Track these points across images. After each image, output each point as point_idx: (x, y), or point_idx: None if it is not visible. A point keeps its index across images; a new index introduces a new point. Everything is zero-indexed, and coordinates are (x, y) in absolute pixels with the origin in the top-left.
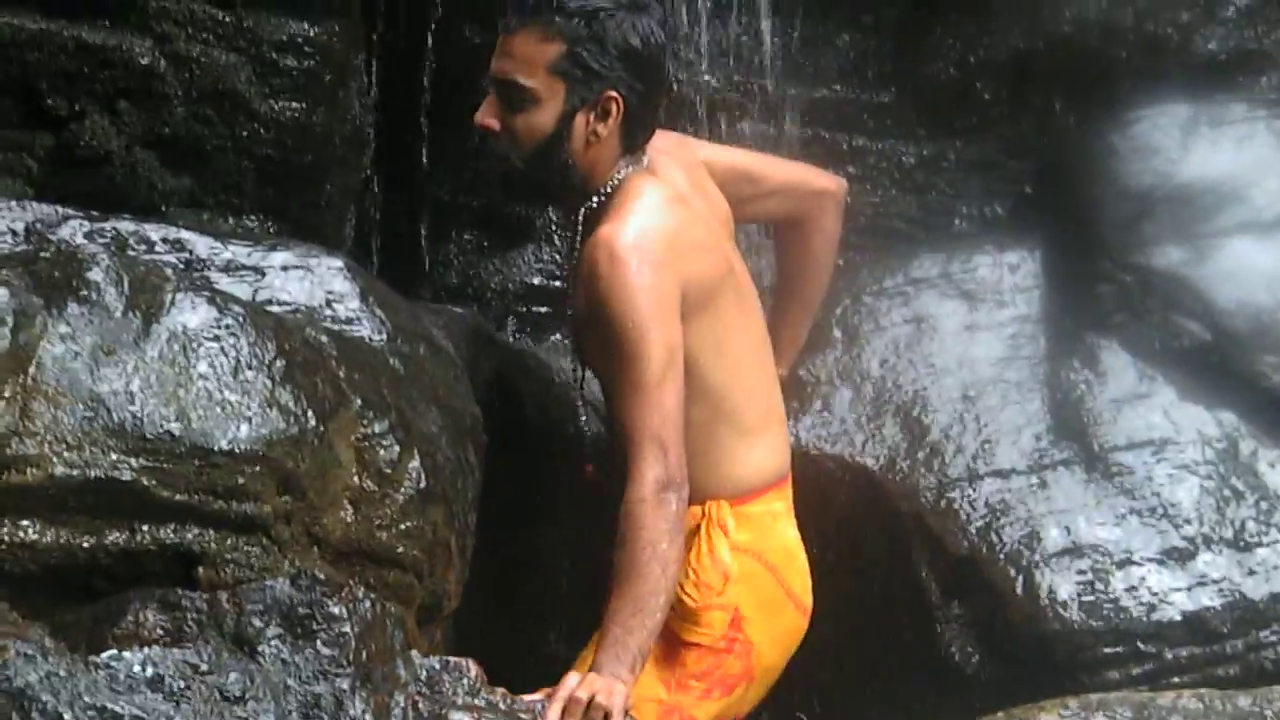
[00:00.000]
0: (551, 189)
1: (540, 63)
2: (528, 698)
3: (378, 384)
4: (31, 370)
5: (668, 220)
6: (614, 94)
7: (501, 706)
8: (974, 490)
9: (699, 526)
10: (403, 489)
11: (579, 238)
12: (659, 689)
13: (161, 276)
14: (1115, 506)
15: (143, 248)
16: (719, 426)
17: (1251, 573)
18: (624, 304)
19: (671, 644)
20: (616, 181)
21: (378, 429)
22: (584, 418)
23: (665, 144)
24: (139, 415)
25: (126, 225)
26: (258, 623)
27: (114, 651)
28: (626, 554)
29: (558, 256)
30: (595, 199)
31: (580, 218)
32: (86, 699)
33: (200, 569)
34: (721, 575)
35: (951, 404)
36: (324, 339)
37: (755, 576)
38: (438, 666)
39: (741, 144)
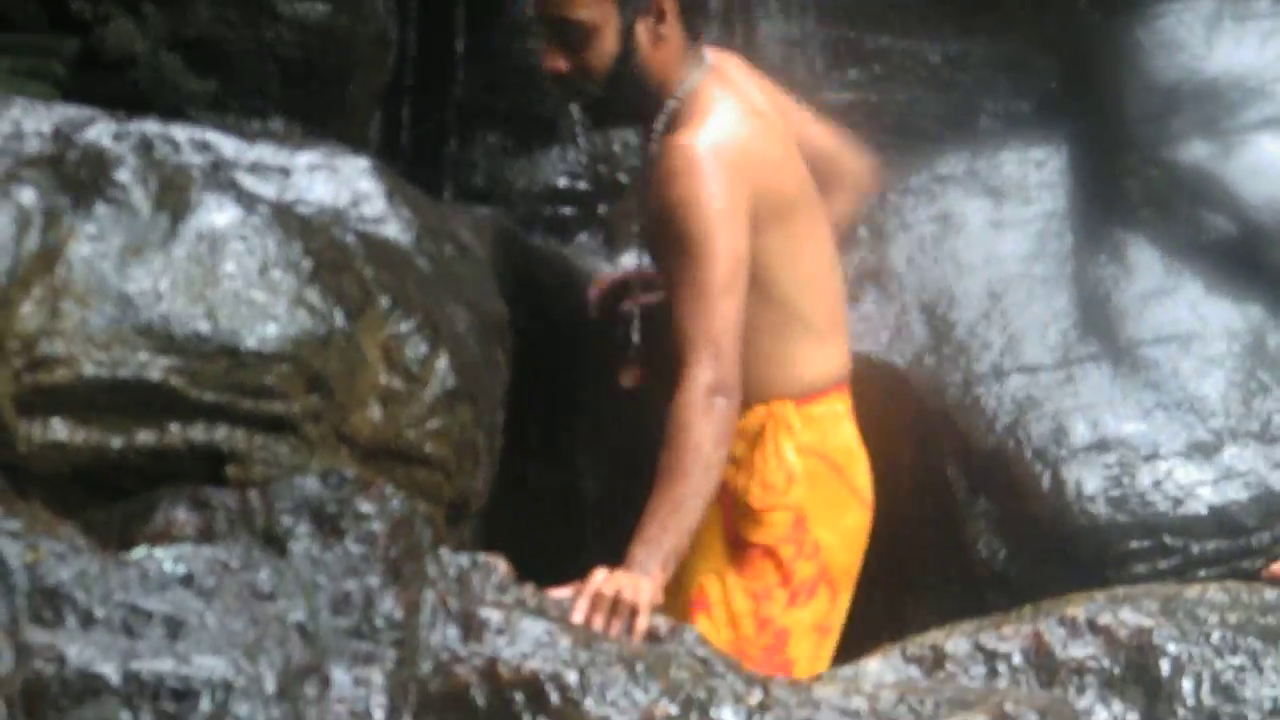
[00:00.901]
0: (635, 104)
1: None
2: (555, 593)
3: (405, 283)
4: (60, 270)
5: (743, 131)
6: None
7: (530, 602)
8: (1000, 386)
9: (764, 427)
10: (430, 388)
11: (654, 145)
12: (747, 602)
13: (188, 177)
14: (1142, 401)
15: (169, 149)
16: (788, 328)
17: (1278, 466)
18: (695, 209)
19: (747, 556)
20: (689, 89)
21: (405, 328)
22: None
23: (732, 62)
24: (167, 315)
25: (153, 127)
26: (287, 520)
27: (145, 549)
28: (672, 454)
29: (582, 158)
30: (670, 105)
31: (658, 127)
32: (118, 596)
33: (230, 467)
34: (786, 476)
35: (978, 300)
36: (350, 239)
37: (820, 476)
38: (467, 564)
39: (764, 43)
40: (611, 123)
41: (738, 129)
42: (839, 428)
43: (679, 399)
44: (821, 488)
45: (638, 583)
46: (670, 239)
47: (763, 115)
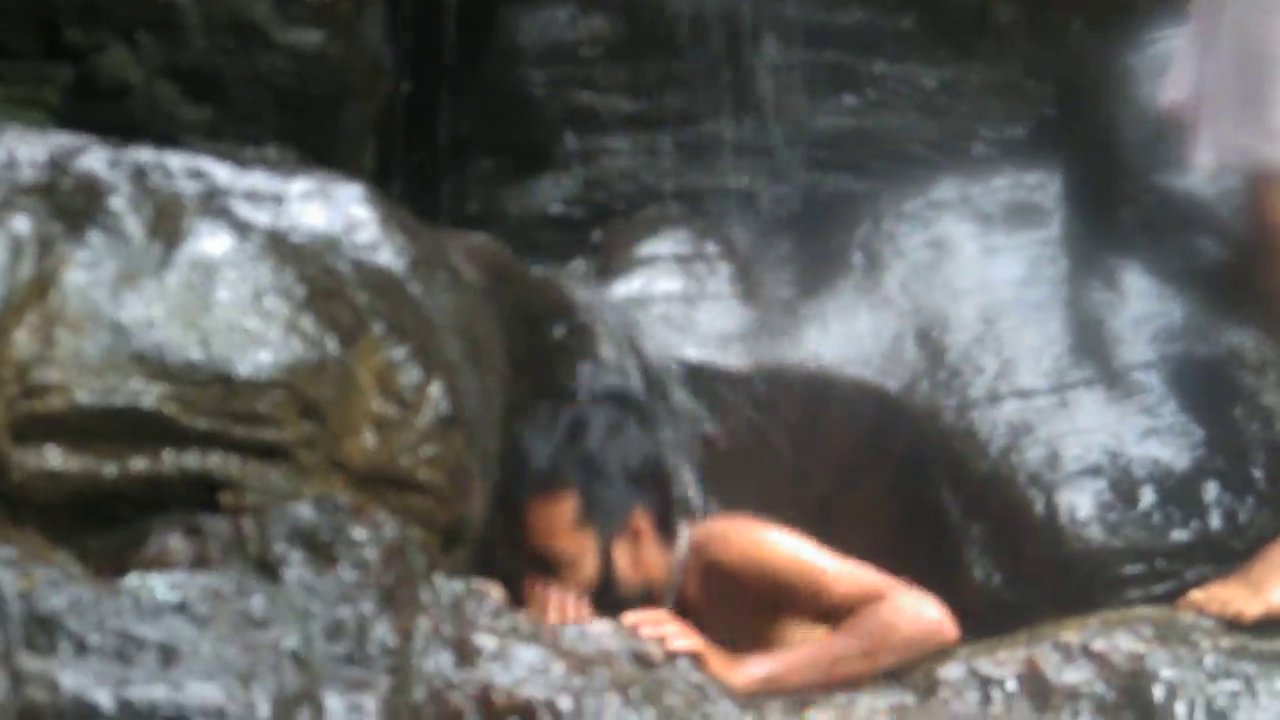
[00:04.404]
0: (629, 602)
1: (562, 524)
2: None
3: (398, 310)
4: (53, 298)
5: None
6: (636, 512)
7: (524, 629)
8: (995, 411)
9: None
10: (424, 414)
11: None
12: None
13: (181, 205)
14: (1135, 426)
15: (163, 176)
16: None
17: (1270, 491)
18: (785, 551)
19: None
20: (682, 557)
21: (398, 355)
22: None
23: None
24: (160, 342)
25: (146, 154)
26: (281, 547)
27: (139, 577)
28: (859, 634)
29: (576, 185)
30: (675, 576)
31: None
32: (112, 624)
33: (223, 494)
34: None
35: (972, 326)
36: (344, 266)
37: None
38: (460, 590)
39: (759, 69)
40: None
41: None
42: None
43: (911, 605)
44: None
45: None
46: (780, 586)
47: None
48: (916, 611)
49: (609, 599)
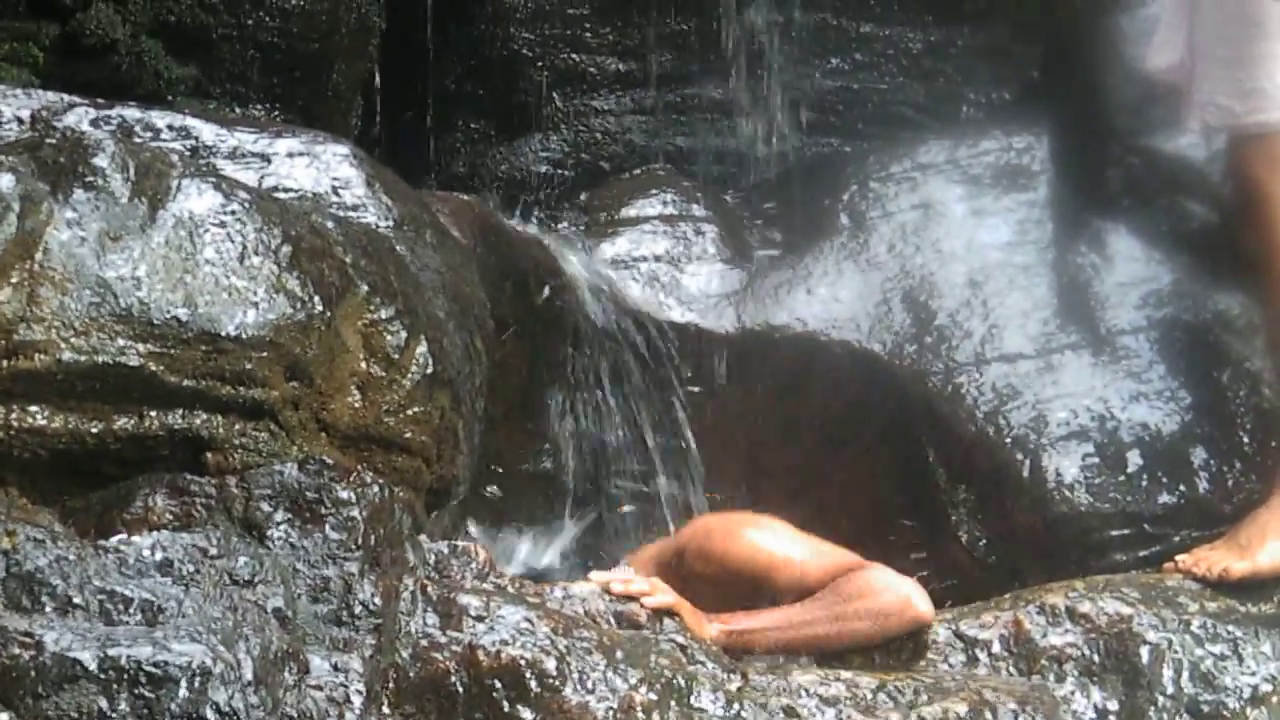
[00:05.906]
0: None
1: None
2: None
3: (384, 270)
4: (38, 256)
5: None
6: None
7: (510, 589)
8: (981, 375)
9: None
10: (410, 374)
11: None
12: None
13: (167, 163)
14: (1122, 390)
15: (149, 135)
16: None
17: (1255, 455)
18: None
19: None
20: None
21: (385, 314)
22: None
23: None
24: (146, 301)
25: (132, 112)
26: (266, 507)
27: (123, 536)
28: (835, 597)
29: (564, 145)
30: None
31: None
32: (96, 583)
33: (209, 454)
34: None
35: (959, 289)
36: (330, 225)
37: None
38: (446, 551)
39: (748, 30)
40: None
41: None
42: None
43: (902, 593)
44: None
45: (682, 605)
46: (766, 576)
47: None
48: (889, 584)
49: None
